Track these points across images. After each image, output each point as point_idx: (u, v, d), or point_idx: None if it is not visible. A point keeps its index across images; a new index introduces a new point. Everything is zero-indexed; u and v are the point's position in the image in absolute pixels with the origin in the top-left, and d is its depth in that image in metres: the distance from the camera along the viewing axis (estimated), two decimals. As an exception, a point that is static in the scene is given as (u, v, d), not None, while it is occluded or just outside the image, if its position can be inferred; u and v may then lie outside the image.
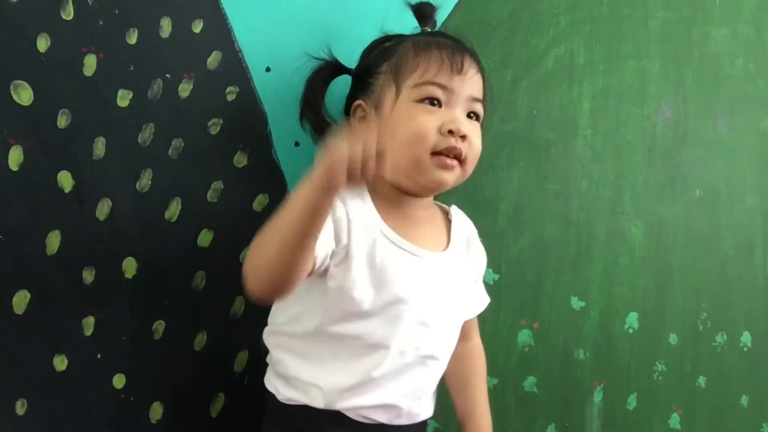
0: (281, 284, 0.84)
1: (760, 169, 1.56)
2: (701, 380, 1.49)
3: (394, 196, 1.00)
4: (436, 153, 0.96)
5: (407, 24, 1.08)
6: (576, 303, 1.37)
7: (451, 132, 0.96)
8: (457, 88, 0.98)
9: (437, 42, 1.00)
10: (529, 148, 1.33)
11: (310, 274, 0.89)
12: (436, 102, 0.97)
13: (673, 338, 1.47)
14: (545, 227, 1.35)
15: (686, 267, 1.48)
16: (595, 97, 1.39)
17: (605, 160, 1.41)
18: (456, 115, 0.97)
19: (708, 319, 1.50)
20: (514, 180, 1.32)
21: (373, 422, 0.96)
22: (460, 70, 0.98)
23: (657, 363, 1.45)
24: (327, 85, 1.07)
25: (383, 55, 1.02)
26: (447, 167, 0.97)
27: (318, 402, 0.94)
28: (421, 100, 0.97)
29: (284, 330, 0.99)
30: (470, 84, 0.99)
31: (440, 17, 1.21)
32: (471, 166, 1.00)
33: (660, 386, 1.45)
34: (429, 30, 1.08)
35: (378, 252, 0.95)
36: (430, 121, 0.96)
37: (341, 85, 1.07)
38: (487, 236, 1.13)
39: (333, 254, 0.92)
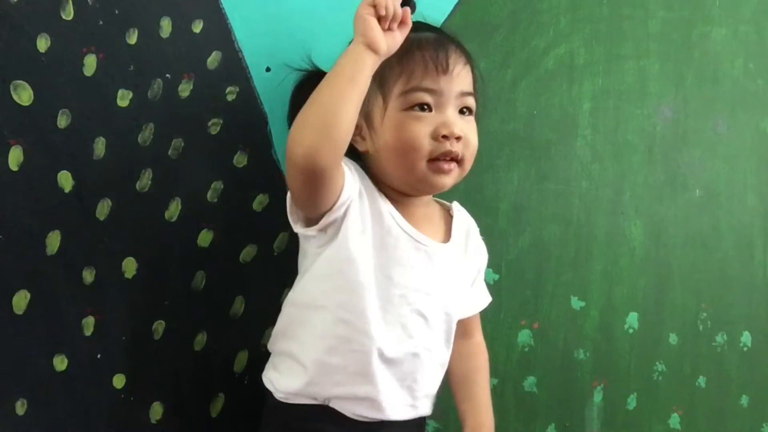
0: (326, 136, 0.84)
1: (760, 169, 1.56)
2: (701, 380, 1.49)
3: (393, 194, 1.00)
4: (432, 159, 0.95)
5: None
6: (576, 303, 1.37)
7: (445, 136, 0.95)
8: (445, 89, 0.96)
9: (417, 41, 0.96)
10: (529, 148, 1.33)
11: (330, 210, 0.90)
12: (425, 107, 0.95)
13: (673, 338, 1.47)
14: (545, 227, 1.35)
15: (686, 267, 1.48)
16: (595, 97, 1.39)
17: (605, 160, 1.40)
18: (448, 118, 0.95)
19: (708, 319, 1.50)
20: (514, 180, 1.32)
21: (369, 419, 0.96)
22: (445, 70, 0.96)
23: (657, 363, 1.45)
24: None
25: None
26: (444, 172, 0.96)
27: (304, 383, 0.94)
28: (410, 108, 0.95)
29: (289, 300, 0.99)
30: (458, 80, 0.97)
31: (440, 18, 1.21)
32: (469, 163, 0.99)
33: (660, 386, 1.45)
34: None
35: (384, 229, 0.95)
36: (422, 129, 0.94)
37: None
38: (487, 236, 1.13)
39: (347, 212, 0.92)
